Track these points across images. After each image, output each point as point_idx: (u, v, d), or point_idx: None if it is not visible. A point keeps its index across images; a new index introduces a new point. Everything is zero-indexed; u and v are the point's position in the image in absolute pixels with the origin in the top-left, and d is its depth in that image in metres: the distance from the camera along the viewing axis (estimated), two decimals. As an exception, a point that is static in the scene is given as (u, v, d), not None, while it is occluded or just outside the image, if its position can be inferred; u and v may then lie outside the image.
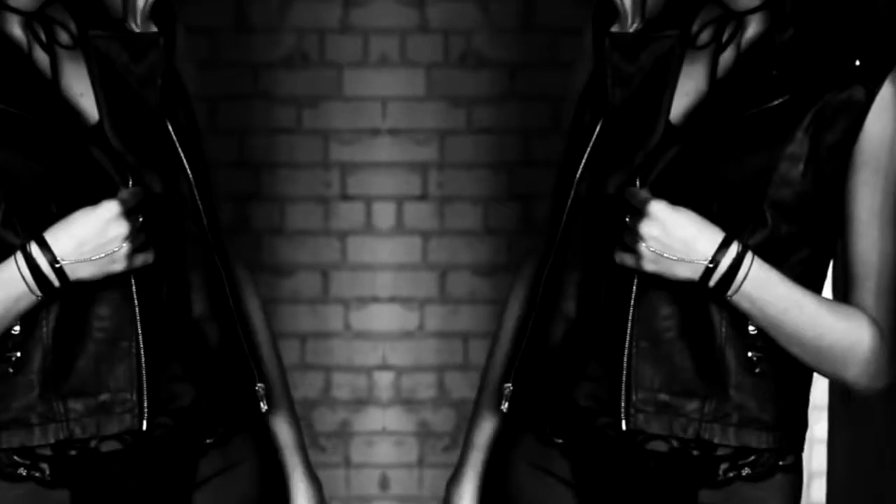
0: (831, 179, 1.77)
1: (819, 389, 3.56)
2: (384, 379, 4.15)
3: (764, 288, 1.75)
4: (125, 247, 1.76)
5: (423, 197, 4.05)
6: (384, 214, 4.08)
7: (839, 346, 1.78)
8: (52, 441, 1.80)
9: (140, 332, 1.83)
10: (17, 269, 1.74)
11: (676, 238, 1.74)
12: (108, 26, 1.82)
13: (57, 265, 1.74)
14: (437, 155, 4.03)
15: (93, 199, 1.77)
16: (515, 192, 4.00)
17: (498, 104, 3.99)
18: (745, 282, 1.74)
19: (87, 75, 1.81)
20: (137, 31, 1.81)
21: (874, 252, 1.79)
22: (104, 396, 1.82)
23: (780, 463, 1.84)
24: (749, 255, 1.74)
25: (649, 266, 1.76)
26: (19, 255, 1.73)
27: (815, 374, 1.88)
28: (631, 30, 1.79)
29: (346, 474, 4.12)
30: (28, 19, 1.81)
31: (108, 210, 1.76)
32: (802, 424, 1.88)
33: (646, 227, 1.74)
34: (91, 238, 1.75)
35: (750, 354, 1.80)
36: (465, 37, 3.98)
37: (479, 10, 3.98)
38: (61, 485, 1.82)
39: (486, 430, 2.06)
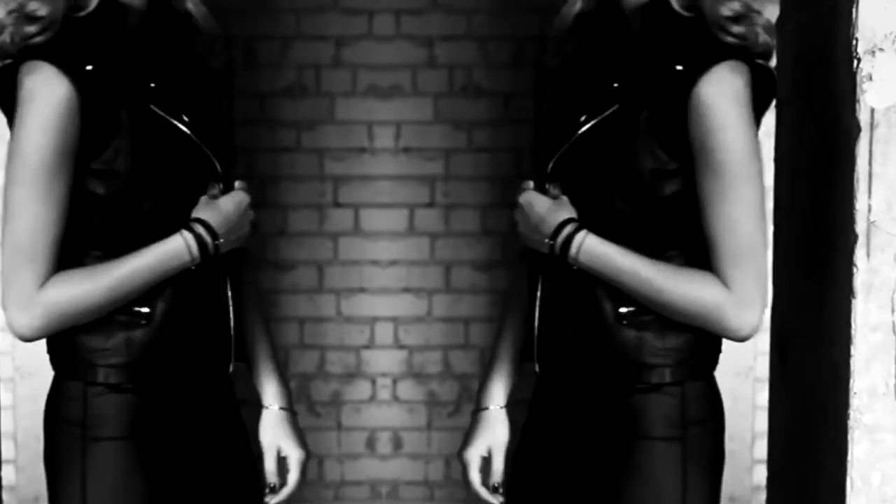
0: (682, 165, 1.87)
1: (760, 363, 3.92)
2: (386, 357, 4.25)
3: (598, 259, 1.88)
4: (249, 227, 1.97)
5: (431, 204, 4.20)
6: (374, 219, 4.19)
7: (692, 305, 1.87)
8: (160, 380, 1.94)
9: (230, 296, 1.99)
10: (185, 245, 1.88)
11: (531, 222, 1.93)
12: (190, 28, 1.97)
13: (218, 241, 1.91)
14: (443, 169, 4.19)
15: (203, 191, 1.93)
16: (509, 201, 3.63)
17: (494, 127, 4.15)
18: (580, 254, 1.88)
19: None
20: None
21: (718, 224, 1.86)
22: (204, 346, 1.98)
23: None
24: (580, 234, 1.88)
25: (526, 242, 1.96)
26: (187, 234, 1.89)
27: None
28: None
29: (337, 436, 4.28)
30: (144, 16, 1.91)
31: (244, 198, 1.95)
32: (699, 351, 1.95)
33: (516, 213, 1.96)
34: (237, 220, 1.93)
35: (623, 310, 1.92)
36: (466, 71, 4.15)
37: (479, 49, 4.15)
38: (154, 398, 1.96)
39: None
